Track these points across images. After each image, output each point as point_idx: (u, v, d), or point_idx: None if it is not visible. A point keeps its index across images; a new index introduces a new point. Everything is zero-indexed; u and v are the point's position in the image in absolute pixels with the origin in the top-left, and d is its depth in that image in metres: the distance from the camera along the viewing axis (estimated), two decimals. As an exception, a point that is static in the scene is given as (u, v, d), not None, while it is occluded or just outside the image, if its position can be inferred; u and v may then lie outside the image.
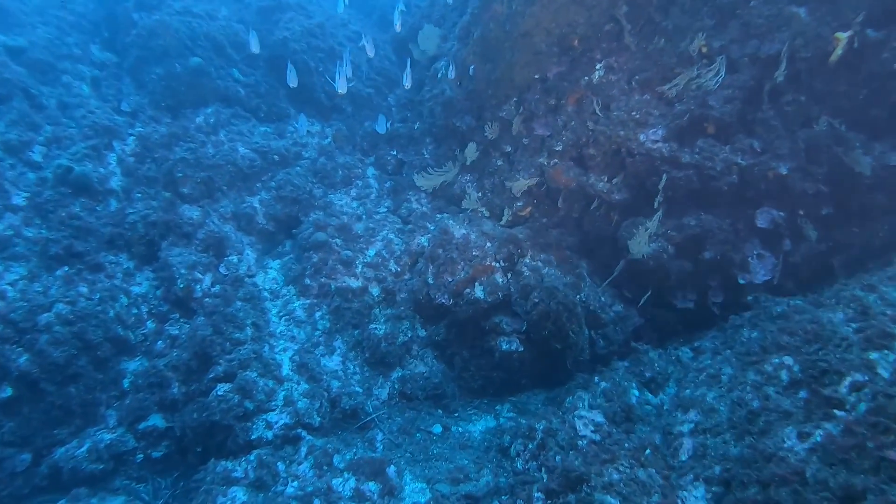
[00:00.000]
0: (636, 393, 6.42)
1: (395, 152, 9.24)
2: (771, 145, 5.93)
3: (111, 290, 6.63)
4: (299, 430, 6.13)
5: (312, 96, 9.62)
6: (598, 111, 6.72)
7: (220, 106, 8.88)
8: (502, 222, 7.57)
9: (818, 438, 3.75)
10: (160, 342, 6.51)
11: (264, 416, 6.10)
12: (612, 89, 6.74)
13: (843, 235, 6.36)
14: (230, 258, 7.52)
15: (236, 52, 9.30)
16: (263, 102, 9.27)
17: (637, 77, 6.53)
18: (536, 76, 7.24)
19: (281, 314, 7.16)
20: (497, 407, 7.20)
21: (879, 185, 5.99)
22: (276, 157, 8.59)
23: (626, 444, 5.33)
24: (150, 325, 6.71)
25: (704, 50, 6.10)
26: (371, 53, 7.44)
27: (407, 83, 7.89)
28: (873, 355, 4.09)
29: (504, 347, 6.78)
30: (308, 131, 9.17)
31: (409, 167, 8.88)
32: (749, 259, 6.42)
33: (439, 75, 8.51)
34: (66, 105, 8.44)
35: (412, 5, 13.05)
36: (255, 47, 6.96)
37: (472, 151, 7.66)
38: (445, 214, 8.02)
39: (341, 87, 6.54)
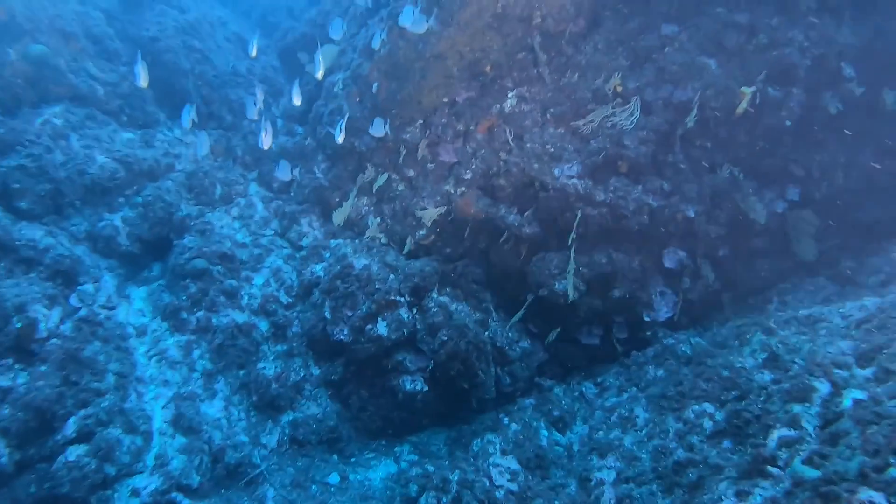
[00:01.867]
0: (545, 433, 6.23)
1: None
2: (679, 188, 6.05)
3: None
4: (174, 495, 5.21)
5: (186, 101, 8.51)
6: (510, 141, 6.51)
7: (72, 105, 7.55)
8: (404, 251, 7.10)
9: (758, 500, 3.70)
10: (-13, 396, 5.23)
11: (129, 482, 5.10)
12: (524, 120, 6.56)
13: (733, 274, 6.66)
14: (84, 287, 6.32)
15: (93, 45, 8.00)
16: (127, 105, 8.04)
17: (551, 110, 6.41)
18: (445, 99, 6.90)
19: (151, 354, 6.12)
20: (396, 448, 6.70)
21: (765, 229, 6.34)
22: (143, 168, 7.44)
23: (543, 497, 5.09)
24: (-28, 375, 5.38)
25: (619, 89, 6.11)
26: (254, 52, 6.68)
27: (296, 99, 7.17)
28: (796, 408, 4.16)
29: (408, 387, 6.30)
30: (180, 140, 8.09)
31: (298, 186, 8.13)
32: (653, 297, 6.50)
33: (335, 90, 7.89)
34: None
35: (297, 9, 12.29)
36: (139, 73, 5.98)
37: (376, 176, 7.13)
38: (341, 241, 7.39)
39: (265, 143, 5.84)
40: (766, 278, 6.76)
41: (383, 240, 7.38)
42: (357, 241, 7.42)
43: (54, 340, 5.60)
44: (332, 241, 7.41)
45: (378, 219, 7.41)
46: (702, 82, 5.68)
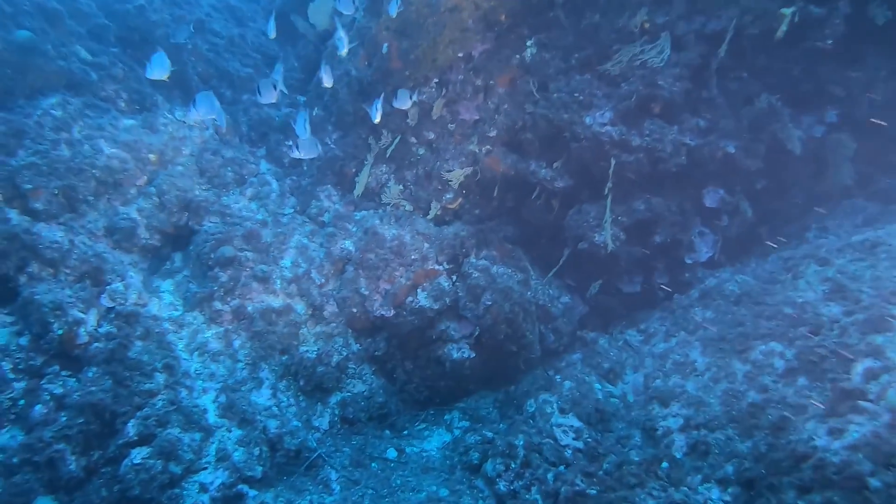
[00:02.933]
0: (598, 387, 6.20)
1: (290, 142, 8.10)
2: (717, 124, 5.86)
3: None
4: (241, 487, 5.15)
5: (182, 78, 8.15)
6: (535, 92, 6.26)
7: (67, 94, 7.16)
8: (430, 217, 6.92)
9: (855, 435, 3.66)
10: (39, 406, 5.09)
11: (196, 479, 5.03)
12: (547, 68, 6.29)
13: (768, 205, 6.54)
14: (113, 286, 6.11)
15: (79, 24, 7.56)
16: (123, 88, 7.64)
17: (575, 55, 6.14)
18: (461, 55, 6.59)
19: (192, 348, 5.97)
20: (446, 416, 6.67)
21: (802, 157, 6.17)
22: (151, 156, 7.13)
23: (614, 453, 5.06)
24: (20, 385, 5.23)
25: (646, 26, 5.83)
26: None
27: (327, 81, 6.74)
28: (878, 339, 4.09)
29: (455, 356, 6.22)
30: (184, 122, 7.74)
31: (310, 159, 7.84)
32: (693, 238, 6.39)
33: (339, 53, 7.51)
34: None
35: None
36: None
37: (392, 141, 6.87)
38: (365, 212, 7.18)
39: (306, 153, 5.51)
40: (801, 206, 6.65)
41: (407, 206, 7.18)
42: (381, 210, 7.22)
43: (96, 344, 5.43)
44: (356, 213, 7.20)
45: (400, 186, 7.19)
46: (738, 8, 5.41)
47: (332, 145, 7.73)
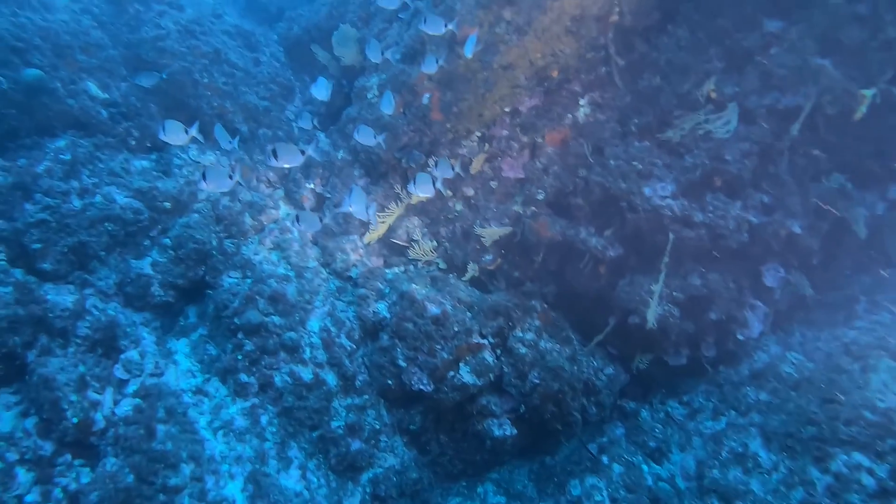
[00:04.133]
0: (646, 468, 5.90)
1: (311, 184, 7.65)
2: (782, 202, 5.55)
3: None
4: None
5: (197, 115, 7.61)
6: (589, 157, 5.89)
7: (76, 135, 6.61)
8: (466, 277, 6.52)
9: None
10: (51, 505, 4.60)
11: (227, 586, 4.60)
12: (602, 131, 5.92)
13: (819, 275, 6.28)
14: (128, 355, 5.63)
15: (89, 57, 6.98)
16: (134, 126, 7.10)
17: (635, 120, 5.77)
18: (507, 109, 6.19)
19: (215, 426, 5.50)
20: (479, 489, 6.35)
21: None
22: (166, 203, 6.61)
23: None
24: (27, 478, 4.71)
25: (713, 95, 5.50)
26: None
27: (324, 95, 6.42)
28: None
29: (496, 433, 5.86)
30: (198, 162, 7.22)
31: (332, 205, 7.39)
32: (747, 314, 6.09)
33: (369, 96, 7.07)
34: None
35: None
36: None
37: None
38: (397, 269, 6.76)
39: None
40: (849, 275, 6.42)
41: (441, 264, 6.78)
42: (413, 268, 6.81)
43: (114, 430, 4.94)
44: (387, 270, 6.77)
45: (433, 242, 6.77)
46: (816, 86, 5.10)
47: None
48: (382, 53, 6.74)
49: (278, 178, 7.83)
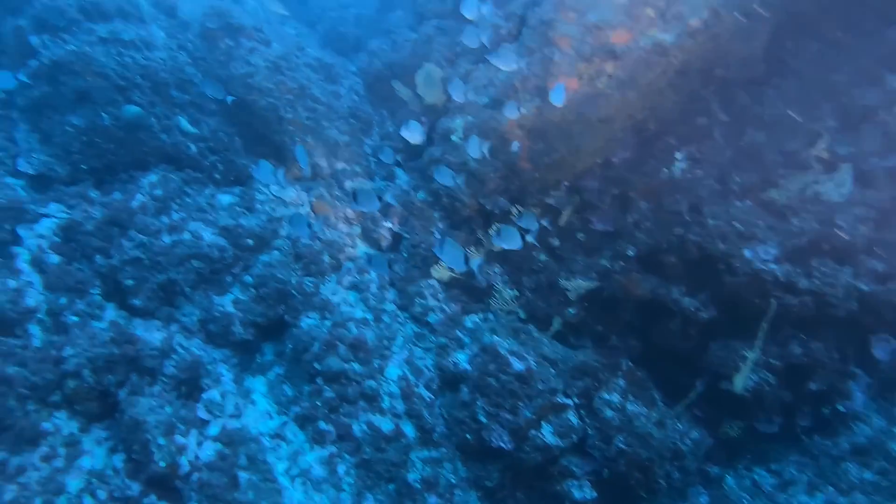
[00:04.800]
0: (737, 546, 5.56)
1: (389, 223, 7.61)
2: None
3: (48, 482, 4.60)
4: None
5: (281, 151, 7.70)
6: (685, 214, 5.65)
7: (167, 169, 6.76)
8: (551, 332, 6.34)
9: None
10: (138, 552, 4.61)
11: None
12: (699, 188, 5.69)
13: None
14: (210, 395, 5.65)
15: (182, 93, 7.14)
16: (220, 160, 7.22)
17: (736, 179, 5.53)
18: (598, 160, 6.02)
19: (293, 473, 5.45)
20: (553, 549, 6.07)
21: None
22: (249, 240, 6.66)
23: None
24: (115, 520, 4.75)
25: (826, 156, 5.21)
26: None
27: (417, 139, 6.42)
28: None
29: (577, 496, 5.64)
30: (279, 198, 7.27)
31: (410, 246, 7.32)
32: (850, 385, 5.72)
33: (453, 138, 7.01)
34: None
35: (365, 18, 11.25)
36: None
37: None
38: (476, 318, 6.64)
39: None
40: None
41: (522, 314, 6.62)
42: (493, 316, 6.67)
43: (198, 475, 4.94)
44: (466, 318, 6.65)
45: (515, 291, 6.62)
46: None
47: (437, 234, 7.21)
48: (467, 95, 6.70)
49: (356, 216, 7.82)
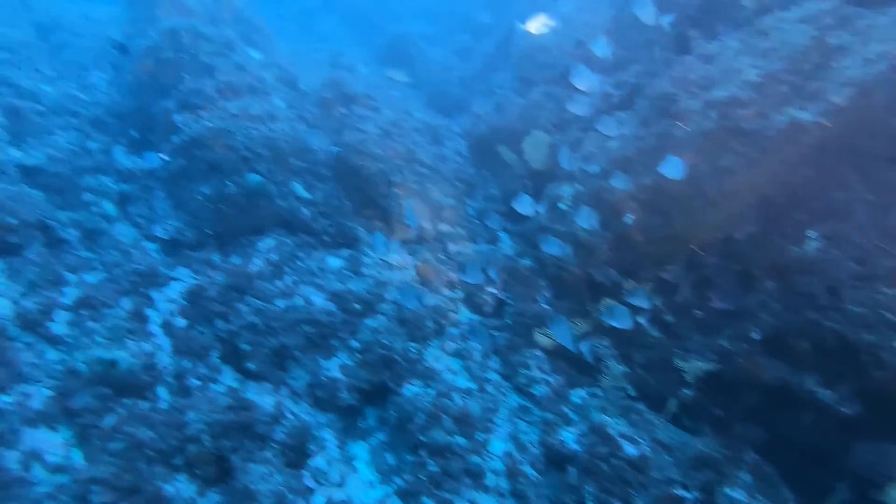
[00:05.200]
0: None
1: (492, 288, 7.55)
2: None
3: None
4: None
5: (388, 214, 7.88)
6: (821, 298, 5.20)
7: (281, 233, 7.08)
8: (665, 414, 5.96)
9: None
10: None
11: None
12: (836, 270, 5.22)
13: None
14: (315, 462, 5.71)
15: (299, 160, 7.51)
16: (331, 224, 7.48)
17: (882, 263, 5.03)
18: (719, 236, 5.70)
19: (395, 552, 5.37)
20: None
21: None
22: (356, 305, 6.80)
23: None
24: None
25: None
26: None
27: (527, 210, 6.37)
28: None
29: None
30: (384, 261, 7.40)
31: (515, 313, 7.20)
32: None
33: (561, 205, 6.90)
34: (91, 234, 6.60)
35: (469, 78, 11.49)
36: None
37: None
38: (583, 393, 6.38)
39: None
40: None
41: (631, 391, 6.29)
42: (600, 391, 6.38)
43: (305, 551, 4.96)
44: (572, 392, 6.41)
45: (624, 366, 6.32)
46: None
47: (543, 304, 7.06)
48: (576, 163, 6.60)
49: (459, 280, 7.82)
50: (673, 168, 5.27)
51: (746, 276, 5.68)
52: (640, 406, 6.08)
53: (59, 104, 7.37)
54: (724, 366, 5.70)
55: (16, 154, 6.64)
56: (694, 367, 5.80)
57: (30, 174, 6.63)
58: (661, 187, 5.66)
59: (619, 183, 6.10)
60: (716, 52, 5.24)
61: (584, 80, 6.56)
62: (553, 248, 6.35)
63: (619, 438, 5.49)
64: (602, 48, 6.42)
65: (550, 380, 6.62)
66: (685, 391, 5.93)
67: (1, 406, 4.81)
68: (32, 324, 5.46)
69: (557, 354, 6.80)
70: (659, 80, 5.77)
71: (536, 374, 6.66)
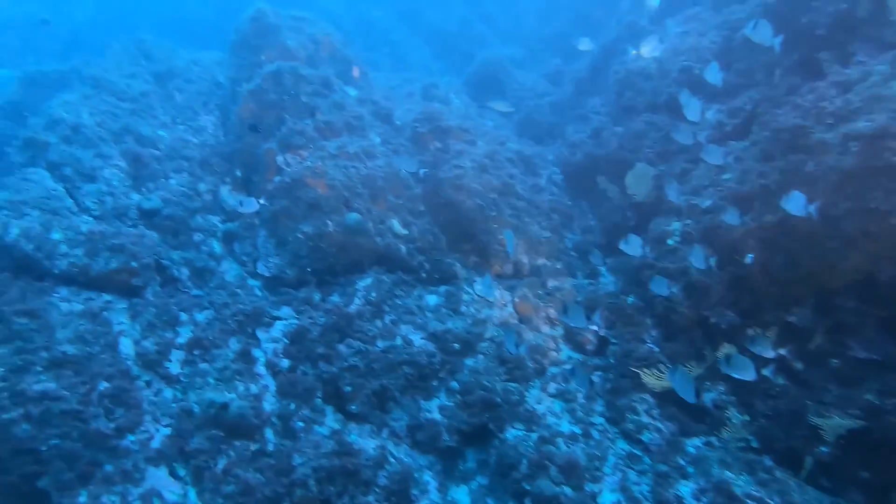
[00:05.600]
0: None
1: (594, 325, 7.22)
2: None
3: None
4: None
5: (485, 248, 7.74)
6: None
7: (379, 271, 7.07)
8: (803, 475, 5.42)
9: None
10: None
11: None
12: None
13: None
14: (419, 508, 5.58)
15: (395, 197, 7.52)
16: (427, 259, 7.42)
17: None
18: (857, 277, 5.15)
19: None
20: None
21: None
22: (456, 344, 6.67)
23: None
24: None
25: None
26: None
27: (636, 252, 6.05)
28: None
29: None
30: (484, 298, 7.24)
31: (620, 353, 6.83)
32: None
33: (669, 241, 6.52)
34: (200, 273, 6.87)
35: (562, 104, 11.23)
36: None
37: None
38: (699, 443, 5.92)
39: None
40: None
41: (754, 443, 5.77)
42: (717, 441, 5.91)
43: None
44: (687, 441, 5.97)
45: (745, 416, 5.82)
46: None
47: (649, 342, 6.67)
48: (685, 197, 6.24)
49: (558, 316, 7.55)
50: (800, 205, 4.83)
51: (893, 322, 5.10)
52: (767, 461, 5.57)
53: (173, 148, 7.76)
54: (872, 423, 5.11)
55: (136, 198, 7.02)
56: (834, 423, 5.24)
57: (148, 216, 6.97)
58: (786, 225, 5.20)
59: (734, 219, 5.68)
60: (857, 78, 4.77)
61: (693, 109, 6.21)
62: (662, 288, 6.01)
63: (746, 500, 5.03)
64: (714, 74, 6.06)
65: (661, 426, 6.21)
66: (822, 449, 5.37)
67: (128, 445, 4.99)
68: (152, 364, 5.67)
69: (667, 398, 6.38)
70: (782, 110, 5.33)
71: (645, 419, 6.27)
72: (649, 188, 7.26)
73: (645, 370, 6.27)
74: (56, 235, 6.00)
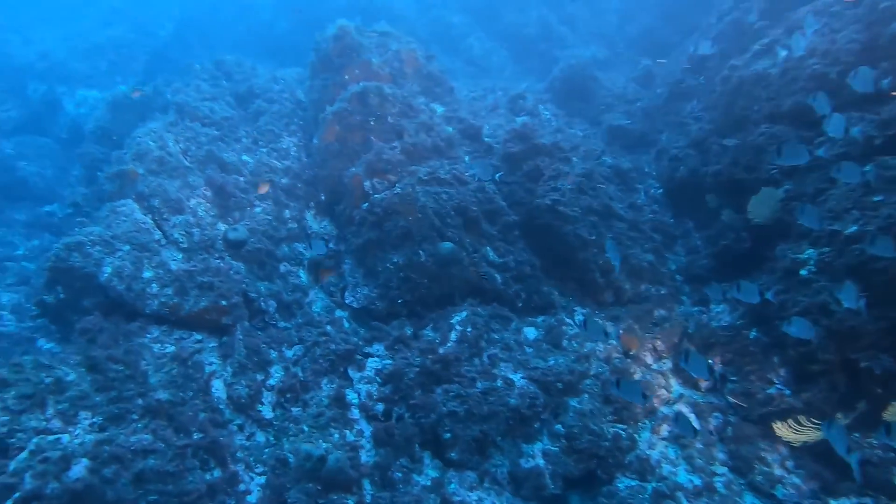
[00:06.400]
0: None
1: (710, 360, 6.55)
2: None
3: None
4: None
5: (584, 276, 7.19)
6: None
7: (473, 302, 6.65)
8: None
9: None
10: None
11: None
12: None
13: None
14: (527, 569, 5.12)
15: (490, 225, 7.08)
16: (523, 288, 6.95)
17: None
18: None
19: None
20: None
21: None
22: (558, 384, 6.16)
23: None
24: None
25: None
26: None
27: (754, 300, 5.48)
28: None
29: None
30: (584, 331, 6.70)
31: (742, 395, 6.16)
32: None
33: (803, 273, 5.79)
34: (288, 305, 6.65)
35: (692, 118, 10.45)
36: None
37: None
38: (848, 502, 5.21)
39: None
40: None
41: (910, 510, 5.01)
42: (868, 504, 5.17)
43: None
44: (832, 501, 5.26)
45: (904, 476, 5.06)
46: None
47: (778, 383, 5.96)
48: (820, 222, 5.53)
49: (666, 348, 6.92)
50: None
51: None
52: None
53: (258, 174, 7.58)
54: None
55: (222, 228, 6.86)
56: None
57: (234, 246, 6.80)
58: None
59: (887, 251, 4.91)
60: None
61: (834, 122, 5.47)
62: (806, 331, 5.32)
63: (917, 584, 4.31)
64: (864, 81, 5.31)
65: (798, 482, 5.51)
66: None
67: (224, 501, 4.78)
68: (244, 407, 5.46)
69: (803, 450, 5.67)
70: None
71: (778, 471, 5.61)
72: (772, 210, 6.51)
73: (777, 423, 5.58)
74: (147, 274, 5.89)
